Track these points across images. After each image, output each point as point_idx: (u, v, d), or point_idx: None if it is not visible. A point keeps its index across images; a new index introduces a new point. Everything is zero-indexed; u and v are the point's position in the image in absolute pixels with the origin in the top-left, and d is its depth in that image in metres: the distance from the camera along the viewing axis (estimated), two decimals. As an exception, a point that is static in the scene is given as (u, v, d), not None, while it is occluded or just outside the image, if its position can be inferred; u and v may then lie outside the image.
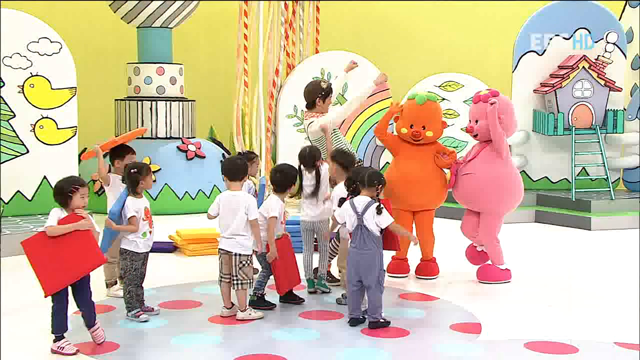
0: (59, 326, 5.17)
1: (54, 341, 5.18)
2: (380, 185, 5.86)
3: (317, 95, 7.31)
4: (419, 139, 7.18)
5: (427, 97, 7.28)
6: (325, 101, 7.35)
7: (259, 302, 6.21)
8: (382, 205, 5.73)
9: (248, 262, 5.92)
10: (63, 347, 5.15)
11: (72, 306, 5.20)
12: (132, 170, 5.87)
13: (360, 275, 5.72)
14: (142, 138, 11.40)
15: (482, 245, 7.36)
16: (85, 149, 11.27)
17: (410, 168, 7.16)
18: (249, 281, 5.91)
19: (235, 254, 5.89)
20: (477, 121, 7.20)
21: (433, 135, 7.20)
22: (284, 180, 6.29)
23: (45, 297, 5.09)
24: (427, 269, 7.38)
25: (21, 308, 6.18)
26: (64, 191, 5.17)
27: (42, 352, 5.17)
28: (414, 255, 7.42)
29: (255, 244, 5.96)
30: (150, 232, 5.94)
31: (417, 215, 7.29)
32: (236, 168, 5.98)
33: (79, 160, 9.88)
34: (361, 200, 5.79)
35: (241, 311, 5.94)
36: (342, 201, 5.92)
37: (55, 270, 5.04)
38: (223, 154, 11.85)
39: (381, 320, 5.70)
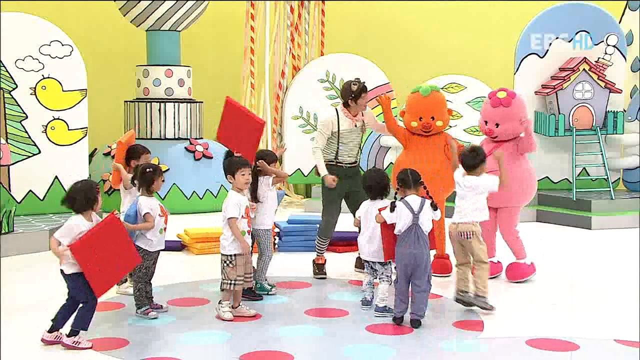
0: (61, 321, 5.27)
1: (68, 336, 5.23)
2: (423, 182, 5.90)
3: (348, 97, 7.19)
4: (430, 130, 7.31)
5: (431, 88, 7.38)
6: (358, 102, 7.19)
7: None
8: (435, 202, 5.82)
9: (228, 262, 5.92)
10: (79, 342, 5.21)
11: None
12: (147, 170, 5.93)
13: (410, 274, 5.75)
14: (151, 139, 11.56)
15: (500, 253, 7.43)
16: (96, 149, 11.49)
17: (422, 159, 7.22)
18: (229, 282, 5.91)
19: (221, 254, 6.00)
20: (497, 124, 7.33)
21: (443, 125, 7.32)
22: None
23: (98, 297, 5.28)
24: (442, 266, 7.39)
25: (37, 304, 6.31)
26: (91, 195, 5.26)
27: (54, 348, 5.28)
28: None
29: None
30: (164, 228, 6.01)
31: None
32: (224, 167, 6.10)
33: (90, 161, 10.04)
34: (415, 200, 5.82)
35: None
36: (392, 205, 5.85)
37: (103, 274, 5.22)
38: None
39: (421, 320, 5.76)
